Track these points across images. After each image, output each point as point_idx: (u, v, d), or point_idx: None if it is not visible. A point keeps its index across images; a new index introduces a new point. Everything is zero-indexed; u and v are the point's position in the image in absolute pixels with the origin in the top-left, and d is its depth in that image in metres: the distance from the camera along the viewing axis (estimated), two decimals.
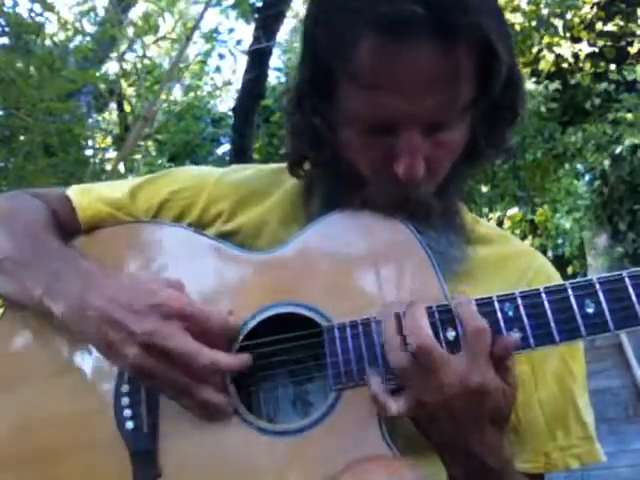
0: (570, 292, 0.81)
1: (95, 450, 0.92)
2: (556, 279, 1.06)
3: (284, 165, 1.07)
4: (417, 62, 0.83)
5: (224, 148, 10.27)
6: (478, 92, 0.87)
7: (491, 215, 10.65)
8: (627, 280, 0.79)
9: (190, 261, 1.01)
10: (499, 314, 0.82)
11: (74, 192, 1.11)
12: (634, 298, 0.79)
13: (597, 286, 0.80)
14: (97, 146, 5.05)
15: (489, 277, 1.01)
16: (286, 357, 0.93)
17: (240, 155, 6.43)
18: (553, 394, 1.01)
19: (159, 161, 9.40)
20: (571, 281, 0.82)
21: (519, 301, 0.82)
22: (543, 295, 0.82)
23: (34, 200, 1.10)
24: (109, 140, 6.36)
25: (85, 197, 1.09)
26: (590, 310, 0.80)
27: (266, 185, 1.10)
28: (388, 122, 0.88)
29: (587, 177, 9.21)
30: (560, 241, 10.76)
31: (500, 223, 11.26)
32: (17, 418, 0.97)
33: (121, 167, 4.51)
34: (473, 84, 0.86)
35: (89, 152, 4.59)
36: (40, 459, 0.93)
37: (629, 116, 8.27)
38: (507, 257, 1.07)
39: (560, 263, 10.06)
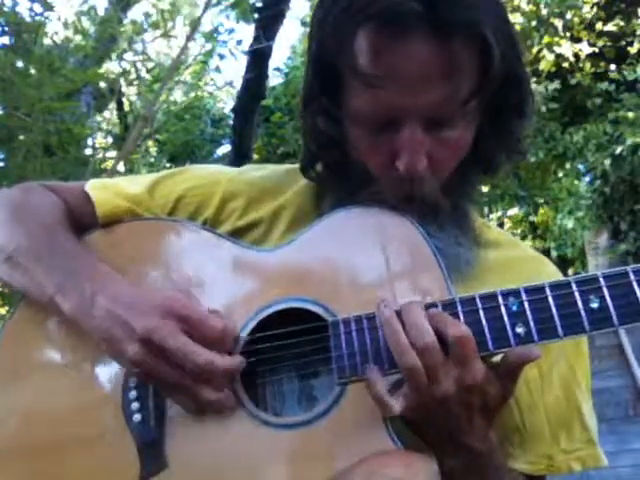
0: (574, 287, 0.80)
1: (103, 443, 0.93)
2: None
3: (298, 165, 1.08)
4: (414, 57, 0.84)
5: (224, 148, 10.29)
6: (477, 88, 0.87)
7: (491, 215, 10.65)
8: (632, 275, 0.79)
9: (201, 259, 1.02)
10: (503, 309, 0.82)
11: (92, 187, 1.11)
12: (639, 293, 0.78)
13: (602, 281, 0.79)
14: (97, 146, 5.04)
15: (497, 281, 0.99)
16: (292, 351, 0.93)
17: (240, 155, 6.43)
18: (558, 399, 1.01)
19: (159, 161, 9.40)
20: (575, 276, 0.81)
21: (523, 296, 0.82)
22: (547, 290, 0.81)
23: (49, 194, 1.11)
24: (109, 140, 6.36)
25: (104, 192, 1.10)
26: (594, 305, 0.79)
27: (279, 184, 1.11)
28: (389, 118, 0.89)
29: (588, 177, 9.22)
30: (562, 241, 10.76)
31: (500, 223, 11.26)
32: (23, 410, 0.98)
33: (121, 167, 4.50)
34: (471, 79, 0.87)
35: (89, 152, 4.58)
36: (46, 451, 0.94)
37: (629, 116, 8.28)
38: (515, 261, 1.06)
39: (562, 264, 10.06)
